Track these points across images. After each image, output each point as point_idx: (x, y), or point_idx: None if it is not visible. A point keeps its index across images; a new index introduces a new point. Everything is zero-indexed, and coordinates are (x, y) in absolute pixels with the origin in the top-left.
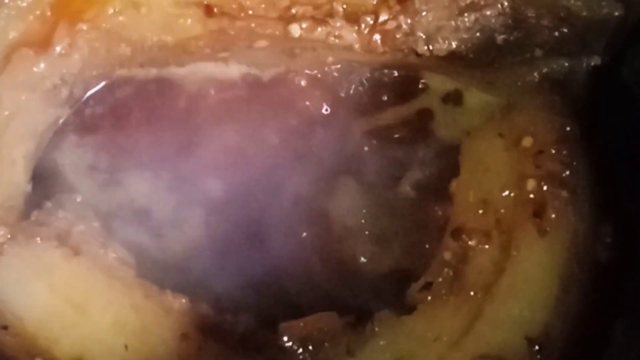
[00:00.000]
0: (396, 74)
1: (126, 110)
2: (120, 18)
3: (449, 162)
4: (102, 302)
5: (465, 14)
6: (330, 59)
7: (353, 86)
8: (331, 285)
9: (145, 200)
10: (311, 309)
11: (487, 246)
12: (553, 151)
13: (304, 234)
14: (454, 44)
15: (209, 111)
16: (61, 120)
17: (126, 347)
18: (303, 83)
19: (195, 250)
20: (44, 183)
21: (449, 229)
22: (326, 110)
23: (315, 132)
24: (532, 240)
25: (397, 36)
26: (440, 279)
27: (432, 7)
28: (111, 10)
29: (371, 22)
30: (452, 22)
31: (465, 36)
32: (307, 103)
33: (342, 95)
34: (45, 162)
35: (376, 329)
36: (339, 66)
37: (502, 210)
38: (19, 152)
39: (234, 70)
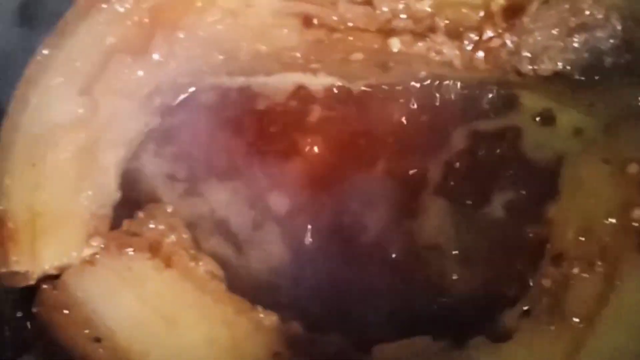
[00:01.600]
0: (489, 90)
1: (211, 118)
2: (218, 27)
3: (542, 184)
4: (193, 317)
5: (575, 34)
6: (422, 73)
7: (443, 101)
8: (420, 307)
9: (227, 213)
10: (403, 331)
11: (589, 275)
12: None
13: (393, 255)
14: (559, 64)
15: (295, 122)
16: (149, 127)
17: None
18: (393, 96)
19: (285, 267)
20: (131, 192)
21: (549, 255)
22: (415, 124)
23: (403, 147)
24: (637, 271)
25: (501, 54)
26: (539, 306)
27: (541, 26)
28: (210, 18)
29: (475, 38)
30: (561, 42)
31: (572, 57)
32: (397, 117)
33: (432, 110)
34: (134, 171)
35: (472, 356)
36: (429, 80)
37: (606, 239)
38: (111, 159)
39: (322, 81)
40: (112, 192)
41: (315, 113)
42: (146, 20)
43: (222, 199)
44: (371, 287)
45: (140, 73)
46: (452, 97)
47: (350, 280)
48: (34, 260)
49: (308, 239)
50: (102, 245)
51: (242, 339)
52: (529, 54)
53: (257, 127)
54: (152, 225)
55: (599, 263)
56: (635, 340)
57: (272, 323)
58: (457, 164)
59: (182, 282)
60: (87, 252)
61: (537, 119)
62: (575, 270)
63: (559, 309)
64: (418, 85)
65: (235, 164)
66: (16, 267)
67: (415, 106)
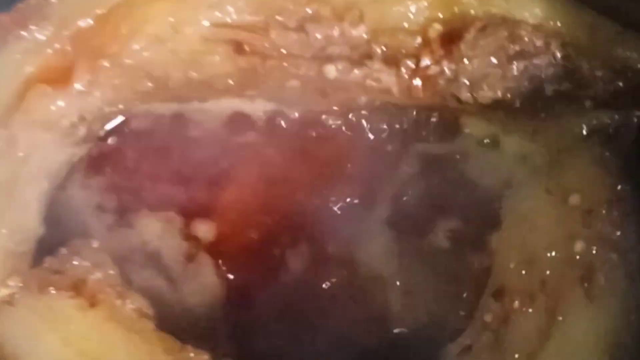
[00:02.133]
0: (433, 117)
1: (142, 146)
2: (145, 54)
3: (488, 213)
4: (119, 357)
5: (514, 62)
6: (363, 99)
7: (386, 127)
8: (360, 340)
9: (159, 245)
10: None
11: (531, 310)
12: (603, 211)
13: (334, 287)
14: (499, 92)
15: (230, 149)
16: (75, 158)
17: None
18: (332, 123)
19: (218, 302)
20: (56, 226)
21: (490, 288)
22: (355, 151)
23: (343, 174)
24: (579, 306)
25: (440, 82)
26: (480, 342)
27: (479, 53)
28: (136, 46)
29: (412, 66)
30: (499, 70)
31: (512, 85)
32: (338, 144)
33: (373, 137)
34: (58, 203)
35: None
36: (371, 107)
37: (548, 272)
38: (32, 194)
39: (259, 107)
40: (33, 227)
41: (252, 139)
42: (68, 48)
43: (153, 231)
44: (310, 321)
45: (62, 104)
46: (395, 124)
47: (288, 314)
48: None
49: (243, 272)
50: (21, 284)
51: None
52: (467, 82)
53: (190, 154)
54: (75, 262)
55: (541, 297)
56: None
57: None
58: (401, 192)
59: (107, 321)
60: (4, 292)
61: (482, 144)
62: (516, 304)
63: (499, 345)
64: (359, 112)
65: (167, 194)
66: None
67: (357, 133)
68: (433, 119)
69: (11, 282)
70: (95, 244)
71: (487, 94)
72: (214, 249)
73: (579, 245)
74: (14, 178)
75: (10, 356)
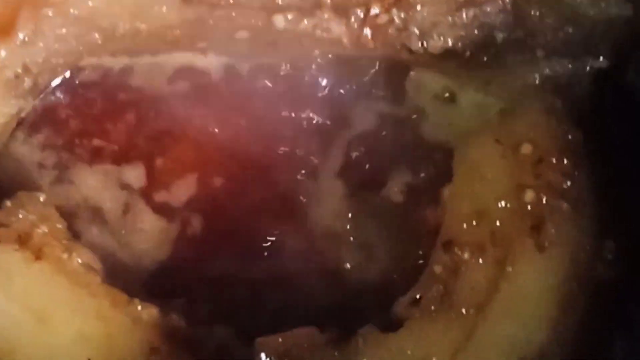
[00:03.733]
0: (386, 70)
1: (90, 101)
2: (90, 3)
3: (441, 165)
4: (65, 312)
5: (464, 10)
6: (316, 52)
7: (338, 82)
8: (312, 297)
9: (106, 199)
10: (290, 322)
11: (480, 260)
12: (554, 160)
13: (284, 239)
14: (450, 41)
15: (182, 103)
16: (23, 112)
17: None
18: (283, 76)
19: (165, 255)
20: (2, 179)
21: (440, 241)
22: (309, 107)
23: (296, 128)
24: (529, 256)
25: (389, 31)
26: (429, 294)
27: (428, 1)
28: None
29: (361, 15)
30: (449, 18)
31: (462, 33)
32: (289, 98)
33: (326, 91)
34: (5, 156)
35: (360, 347)
36: (324, 60)
37: (498, 223)
38: None
39: (212, 60)
40: None
41: (203, 93)
42: None
43: (93, 185)
44: (258, 275)
45: (4, 53)
46: (348, 78)
47: (237, 268)
48: None
49: (193, 224)
50: None
51: (118, 334)
52: (417, 31)
53: (136, 108)
54: (21, 215)
55: (491, 248)
56: (525, 328)
57: (150, 316)
58: (355, 146)
59: (54, 275)
60: None
61: (438, 98)
62: (466, 256)
63: (448, 297)
64: (311, 64)
65: (108, 148)
66: None
67: (309, 88)
68: (388, 72)
69: None
70: (42, 197)
71: (437, 44)
72: (162, 205)
73: (529, 195)
74: None
75: None
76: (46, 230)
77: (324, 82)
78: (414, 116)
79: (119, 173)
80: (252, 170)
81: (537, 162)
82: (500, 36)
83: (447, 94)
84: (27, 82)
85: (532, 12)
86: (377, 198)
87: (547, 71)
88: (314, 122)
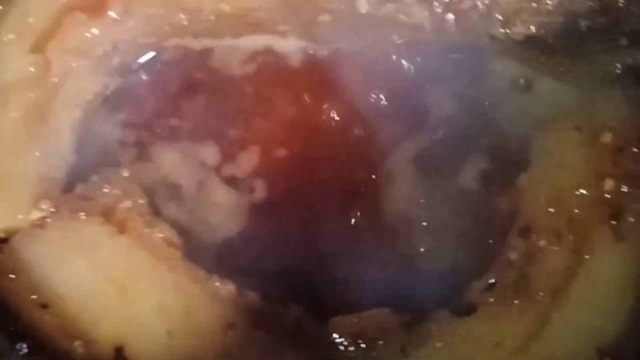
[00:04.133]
0: (464, 56)
1: (169, 81)
2: None
3: (517, 154)
4: (146, 285)
5: None
6: (394, 37)
7: (416, 68)
8: (385, 280)
9: (190, 179)
10: (365, 304)
11: (557, 248)
12: (635, 149)
13: (358, 223)
14: (533, 28)
15: (261, 87)
16: (110, 90)
17: (170, 334)
18: (363, 62)
19: (244, 235)
20: (88, 154)
21: (516, 227)
22: (386, 91)
23: (373, 114)
24: (607, 245)
25: (473, 16)
26: (504, 280)
27: None
28: None
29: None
30: (534, 4)
31: (546, 20)
32: (367, 83)
33: (403, 77)
34: (90, 132)
35: (433, 330)
36: (403, 45)
37: (576, 210)
38: (66, 121)
39: (291, 44)
40: (65, 154)
41: (282, 77)
42: None
43: (171, 163)
44: (333, 256)
45: (96, 31)
46: (427, 63)
47: (312, 248)
48: None
49: (270, 207)
50: (53, 209)
51: (196, 309)
52: (500, 17)
53: (212, 89)
54: (106, 190)
55: (568, 236)
56: (601, 316)
57: (228, 293)
58: (430, 132)
59: (136, 249)
60: (36, 215)
61: (516, 86)
62: (543, 243)
63: (524, 283)
64: (390, 49)
65: (189, 127)
66: None
67: (387, 71)
68: (466, 59)
69: (43, 205)
70: (125, 173)
71: (520, 30)
72: (238, 183)
73: (608, 184)
74: (48, 103)
75: (40, 278)
76: (129, 205)
77: (401, 67)
78: (491, 104)
79: (195, 151)
80: (327, 151)
81: (617, 151)
82: (583, 24)
83: (525, 84)
84: (115, 60)
85: (619, 0)
86: (451, 184)
87: (629, 60)
88: (390, 106)
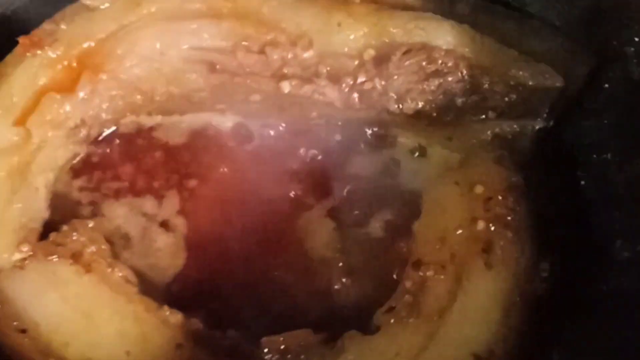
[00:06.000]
0: (370, 129)
1: (121, 151)
2: (136, 70)
3: (411, 205)
4: (108, 313)
5: (431, 79)
6: (314, 114)
7: (332, 139)
8: (308, 308)
9: (129, 228)
10: (290, 326)
11: (442, 276)
12: (500, 198)
13: (287, 262)
14: (420, 104)
15: (203, 155)
16: (78, 158)
17: (128, 353)
18: (288, 135)
19: (186, 273)
20: (59, 209)
21: (410, 261)
22: (308, 158)
23: (296, 176)
24: (480, 273)
25: (373, 95)
26: (401, 304)
27: (403, 72)
28: (128, 63)
29: (351, 82)
30: (420, 86)
31: (430, 97)
32: (292, 152)
33: (322, 146)
34: (59, 190)
35: (346, 346)
36: (320, 121)
37: (456, 246)
38: (41, 182)
39: (229, 120)
40: (41, 210)
41: (221, 146)
42: (74, 64)
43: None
44: (264, 291)
45: (68, 108)
46: (339, 135)
47: (245, 284)
48: None
49: (205, 250)
50: (31, 252)
51: (150, 333)
52: (394, 95)
53: (156, 158)
54: (74, 237)
55: (450, 266)
56: (478, 328)
57: (176, 320)
58: (345, 192)
59: (99, 285)
60: (17, 256)
61: (412, 152)
62: (430, 273)
63: (417, 305)
64: (310, 124)
65: (135, 186)
66: None
67: (308, 142)
68: (372, 132)
69: (23, 249)
70: (90, 224)
71: (410, 105)
72: (181, 232)
73: (480, 225)
74: (28, 166)
75: (20, 309)
76: (94, 250)
77: (320, 138)
78: (393, 168)
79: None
80: (259, 208)
81: (488, 200)
82: (459, 100)
83: (419, 151)
84: (83, 131)
85: (484, 82)
86: (361, 232)
87: (497, 129)
88: (311, 170)
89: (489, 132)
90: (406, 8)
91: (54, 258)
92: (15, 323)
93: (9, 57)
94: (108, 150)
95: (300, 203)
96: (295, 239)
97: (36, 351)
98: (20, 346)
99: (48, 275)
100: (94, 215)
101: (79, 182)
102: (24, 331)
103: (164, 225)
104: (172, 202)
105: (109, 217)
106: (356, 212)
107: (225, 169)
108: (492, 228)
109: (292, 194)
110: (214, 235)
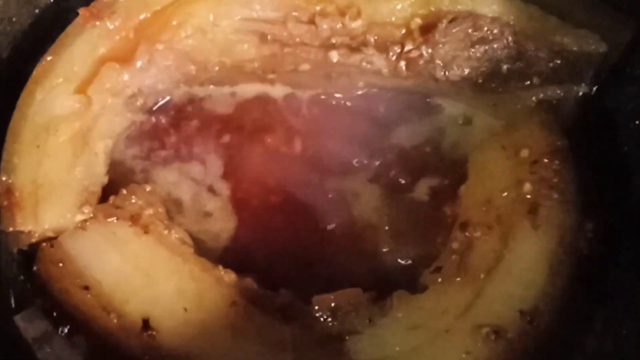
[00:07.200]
0: (417, 97)
1: (172, 121)
2: (190, 41)
3: (457, 172)
4: (165, 272)
5: (477, 46)
6: (360, 83)
7: (378, 107)
8: (356, 270)
9: (196, 192)
10: (339, 287)
11: (489, 237)
12: (546, 161)
13: (334, 229)
14: (466, 71)
15: (252, 124)
16: (134, 124)
17: (185, 309)
18: (336, 103)
19: (240, 235)
20: (118, 174)
21: (457, 223)
22: (355, 127)
23: (346, 145)
24: (526, 233)
25: (419, 63)
26: (448, 264)
27: (449, 39)
28: (183, 34)
29: (398, 50)
30: (465, 53)
31: (475, 64)
32: (338, 120)
33: (369, 115)
34: (116, 157)
35: (394, 304)
36: (367, 90)
37: (502, 208)
38: (101, 147)
39: (278, 90)
40: (101, 174)
41: (271, 116)
42: (131, 35)
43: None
44: (314, 254)
45: (126, 77)
46: (386, 103)
47: (297, 247)
48: (35, 222)
49: (261, 214)
50: (92, 214)
51: (206, 291)
52: (441, 63)
53: (205, 127)
54: (133, 201)
55: (496, 227)
56: (524, 286)
57: (230, 279)
58: (390, 159)
59: (157, 245)
60: (79, 217)
61: (458, 120)
62: (477, 234)
63: (464, 265)
64: (358, 92)
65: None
66: (21, 228)
67: (355, 111)
68: (420, 101)
69: (85, 210)
70: (148, 188)
71: (456, 73)
72: (234, 197)
73: (526, 187)
74: (89, 132)
75: (82, 267)
76: (151, 213)
77: (367, 107)
78: (438, 135)
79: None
80: (308, 173)
81: (533, 163)
82: (505, 67)
83: (462, 115)
84: (140, 100)
85: (529, 48)
86: (407, 198)
87: (541, 95)
88: (358, 138)
89: (533, 98)
90: None
91: (114, 220)
92: (78, 280)
93: (69, 28)
94: (163, 120)
95: (346, 169)
96: (342, 204)
97: (99, 307)
98: (83, 302)
99: (108, 235)
100: (146, 182)
101: (132, 151)
102: (86, 288)
103: (211, 190)
104: (217, 167)
105: (161, 183)
106: (401, 178)
107: (273, 138)
108: (538, 190)
109: (338, 160)
110: (263, 201)
